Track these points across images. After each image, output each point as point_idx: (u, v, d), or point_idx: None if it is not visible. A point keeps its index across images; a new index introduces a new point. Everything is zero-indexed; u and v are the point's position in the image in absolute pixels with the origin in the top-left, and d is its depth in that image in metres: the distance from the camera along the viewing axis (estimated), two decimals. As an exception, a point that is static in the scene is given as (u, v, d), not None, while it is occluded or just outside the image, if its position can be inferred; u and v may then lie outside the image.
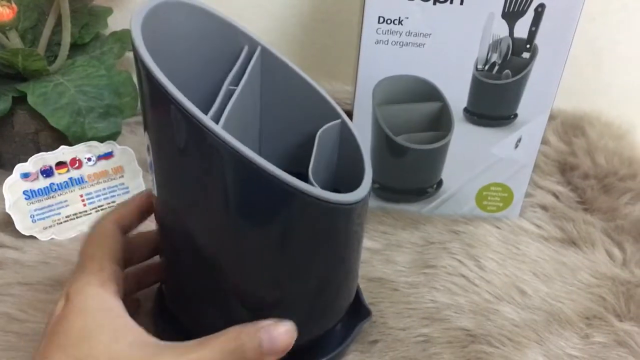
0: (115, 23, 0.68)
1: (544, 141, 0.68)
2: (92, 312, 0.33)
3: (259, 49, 0.40)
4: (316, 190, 0.32)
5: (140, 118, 0.69)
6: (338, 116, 0.40)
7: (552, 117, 0.70)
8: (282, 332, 0.33)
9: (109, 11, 0.67)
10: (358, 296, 0.45)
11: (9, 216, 0.51)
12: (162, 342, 0.33)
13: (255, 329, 0.33)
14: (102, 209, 0.55)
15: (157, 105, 0.32)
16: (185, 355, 0.31)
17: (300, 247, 0.35)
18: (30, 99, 0.55)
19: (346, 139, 0.40)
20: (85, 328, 0.32)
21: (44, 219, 0.52)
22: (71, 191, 0.53)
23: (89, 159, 0.54)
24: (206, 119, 0.30)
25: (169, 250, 0.39)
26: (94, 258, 0.36)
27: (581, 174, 0.63)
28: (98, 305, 0.33)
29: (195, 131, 0.30)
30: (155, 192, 0.37)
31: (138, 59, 0.31)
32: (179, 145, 0.32)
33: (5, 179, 0.51)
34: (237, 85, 0.36)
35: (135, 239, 0.41)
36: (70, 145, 0.54)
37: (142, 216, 0.40)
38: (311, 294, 0.38)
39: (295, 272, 0.36)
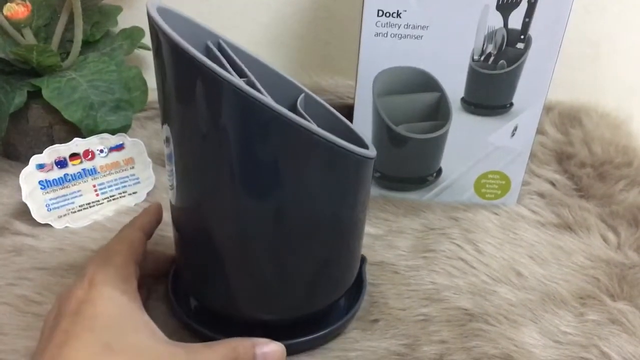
0: (124, 21, 0.70)
1: (542, 131, 0.70)
2: (119, 303, 0.36)
3: (222, 42, 0.41)
4: (350, 145, 0.35)
5: (149, 113, 0.72)
6: (301, 91, 0.43)
7: (549, 109, 0.72)
8: (274, 349, 0.38)
9: (118, 9, 0.69)
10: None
11: (25, 205, 0.53)
12: (173, 341, 0.36)
13: (252, 343, 0.37)
14: (113, 199, 0.57)
15: (193, 84, 0.33)
16: (195, 356, 0.35)
17: (320, 202, 0.37)
18: (44, 93, 0.57)
19: (314, 114, 0.42)
20: (113, 316, 0.35)
21: (58, 208, 0.54)
22: (84, 181, 0.55)
23: (101, 151, 0.56)
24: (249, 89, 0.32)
25: (185, 233, 0.41)
26: (121, 255, 0.39)
27: (578, 163, 0.65)
28: (124, 298, 0.36)
29: (245, 103, 0.32)
30: (173, 182, 0.39)
31: (172, 46, 0.32)
32: (219, 120, 0.34)
33: (21, 171, 0.53)
34: (242, 76, 0.39)
35: (152, 254, 0.46)
36: (83, 137, 0.56)
37: (158, 223, 0.45)
38: (324, 260, 0.40)
39: (308, 237, 0.38)
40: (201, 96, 0.33)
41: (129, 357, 0.33)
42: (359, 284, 0.47)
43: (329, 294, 0.43)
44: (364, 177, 0.39)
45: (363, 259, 0.48)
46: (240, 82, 0.32)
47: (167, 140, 0.38)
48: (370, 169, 0.39)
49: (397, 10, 0.50)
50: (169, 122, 0.37)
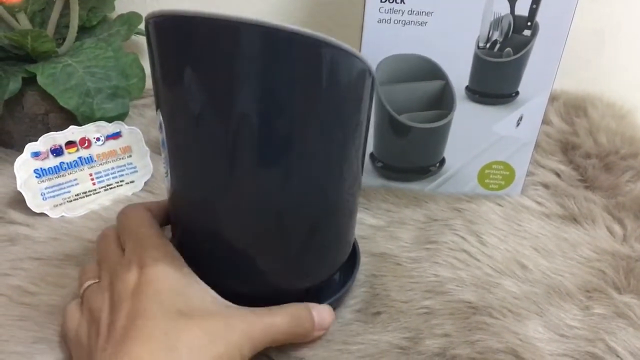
0: (122, 6, 0.69)
1: (547, 121, 0.69)
2: (176, 277, 0.36)
3: None
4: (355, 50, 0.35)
5: (147, 100, 0.71)
6: None
7: (554, 98, 0.71)
8: (328, 312, 0.42)
9: (115, -6, 0.68)
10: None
11: (20, 194, 0.52)
12: (234, 305, 0.38)
13: (307, 305, 0.40)
14: (110, 188, 0.56)
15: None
16: (263, 318, 0.37)
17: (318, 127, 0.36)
18: (39, 80, 0.56)
19: None
20: (175, 288, 0.36)
21: (54, 197, 0.53)
22: (81, 170, 0.54)
23: (98, 139, 0.55)
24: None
25: (180, 215, 0.41)
26: (153, 236, 0.39)
27: (583, 153, 0.64)
28: (177, 270, 0.37)
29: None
30: (167, 168, 0.38)
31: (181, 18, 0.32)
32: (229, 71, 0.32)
33: (16, 159, 0.52)
34: None
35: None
36: (79, 125, 0.54)
37: (168, 217, 0.43)
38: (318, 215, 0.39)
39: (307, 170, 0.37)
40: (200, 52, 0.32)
41: (202, 319, 0.34)
42: (352, 272, 0.46)
43: (323, 267, 0.42)
44: (363, 98, 0.37)
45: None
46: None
47: (160, 126, 0.37)
48: (368, 95, 0.38)
49: (401, -4, 0.49)
50: (160, 106, 0.36)
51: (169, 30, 0.33)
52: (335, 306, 0.44)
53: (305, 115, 0.35)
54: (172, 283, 0.36)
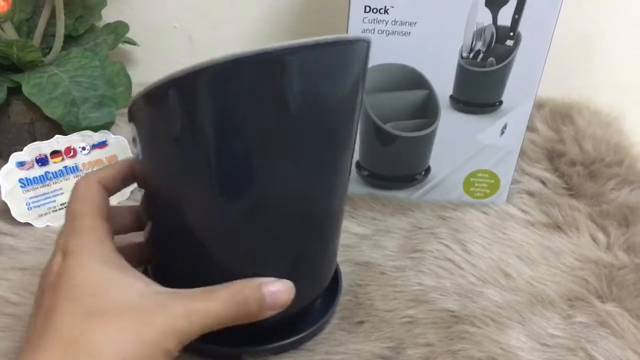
0: (108, 15, 0.69)
1: (532, 129, 0.69)
2: (97, 266, 0.33)
3: None
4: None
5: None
6: None
7: (540, 106, 0.71)
8: (282, 289, 0.36)
9: (102, 3, 0.67)
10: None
11: (5, 204, 0.52)
12: (169, 290, 0.34)
13: (258, 284, 0.35)
14: (96, 197, 0.56)
15: None
16: (193, 304, 0.33)
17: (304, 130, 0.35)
18: (25, 89, 0.56)
19: None
20: (92, 282, 0.33)
21: (39, 206, 0.53)
22: (66, 179, 0.54)
23: (83, 148, 0.55)
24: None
25: (162, 234, 0.40)
26: (85, 215, 0.36)
27: (568, 161, 0.64)
28: (101, 260, 0.34)
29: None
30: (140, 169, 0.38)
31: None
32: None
33: (0, 168, 0.52)
34: None
35: (116, 209, 0.41)
36: (65, 135, 0.55)
37: (125, 181, 0.40)
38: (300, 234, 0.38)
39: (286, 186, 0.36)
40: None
41: (114, 317, 0.32)
42: (334, 291, 0.46)
43: (312, 284, 0.42)
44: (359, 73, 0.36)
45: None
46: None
47: (134, 140, 0.36)
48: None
49: (385, 6, 0.49)
50: (135, 121, 0.35)
51: (155, 106, 0.33)
52: (319, 329, 0.44)
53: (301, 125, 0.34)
54: (91, 276, 0.33)
